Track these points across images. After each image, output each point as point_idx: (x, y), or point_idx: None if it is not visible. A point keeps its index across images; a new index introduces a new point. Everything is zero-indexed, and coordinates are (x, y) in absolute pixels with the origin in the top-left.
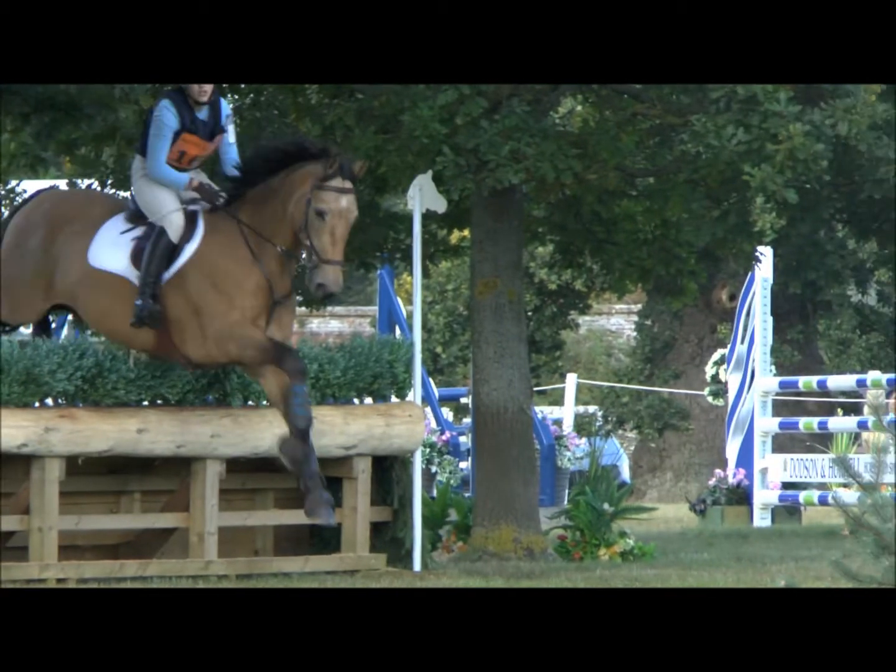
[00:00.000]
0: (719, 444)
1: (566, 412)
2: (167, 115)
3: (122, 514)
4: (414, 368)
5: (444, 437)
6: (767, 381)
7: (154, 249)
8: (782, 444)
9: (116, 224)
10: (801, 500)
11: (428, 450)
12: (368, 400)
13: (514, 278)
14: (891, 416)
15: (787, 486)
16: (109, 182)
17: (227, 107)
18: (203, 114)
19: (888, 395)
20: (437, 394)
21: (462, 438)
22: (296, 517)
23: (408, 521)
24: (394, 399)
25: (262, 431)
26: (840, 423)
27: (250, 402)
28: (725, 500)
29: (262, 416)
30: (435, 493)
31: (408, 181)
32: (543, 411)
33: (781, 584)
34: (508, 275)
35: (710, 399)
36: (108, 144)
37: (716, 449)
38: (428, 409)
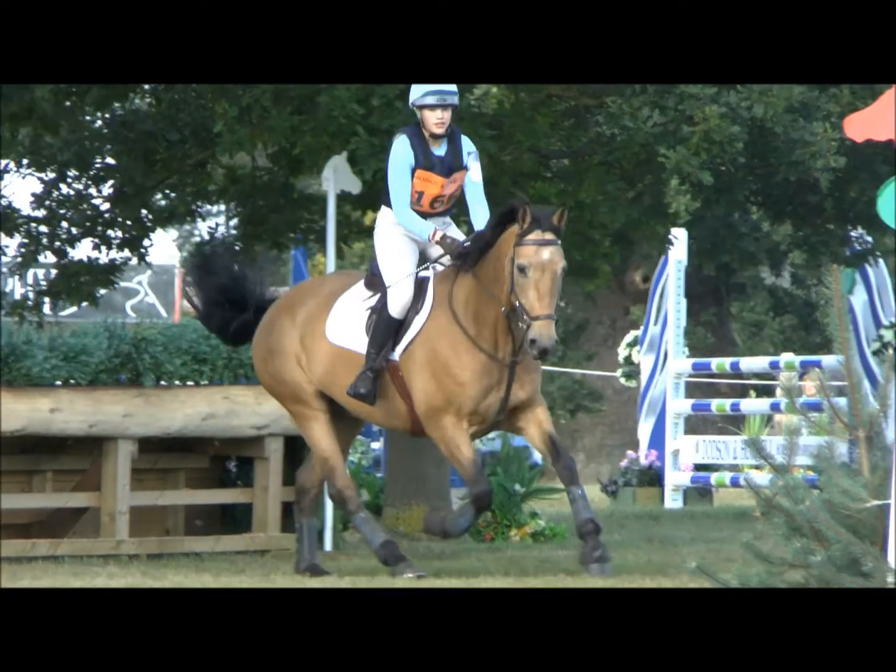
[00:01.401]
0: (632, 425)
1: None
2: (403, 152)
3: (34, 493)
4: None
5: None
6: (680, 362)
7: (377, 326)
8: (695, 425)
9: (354, 294)
10: (712, 481)
11: None
12: None
13: None
14: (804, 398)
15: (699, 467)
16: (25, 162)
17: (469, 143)
18: (441, 149)
19: (801, 377)
20: None
21: None
22: (207, 497)
23: (319, 501)
24: None
25: (174, 411)
26: (753, 405)
27: (163, 383)
28: (637, 482)
29: (174, 396)
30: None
31: (323, 162)
32: None
33: (692, 565)
34: None
35: (622, 381)
36: (23, 125)
37: (628, 430)
38: None
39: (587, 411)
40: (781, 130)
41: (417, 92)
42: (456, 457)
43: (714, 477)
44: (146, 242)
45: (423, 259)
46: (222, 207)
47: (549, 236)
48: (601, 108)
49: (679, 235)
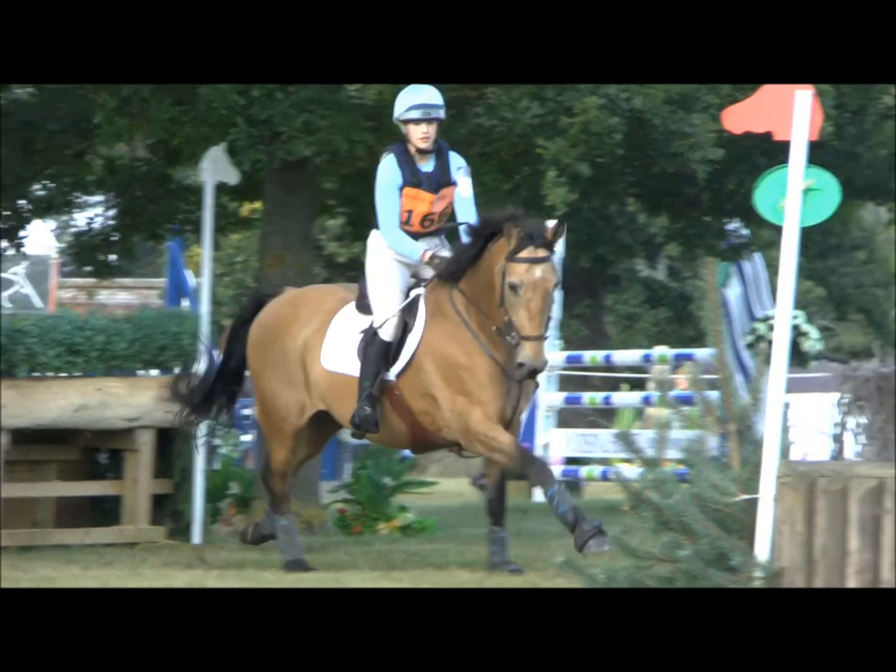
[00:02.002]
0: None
1: None
2: (390, 171)
3: None
4: (201, 341)
5: None
6: (553, 355)
7: (368, 352)
8: (566, 418)
9: (346, 317)
10: (582, 475)
11: (211, 422)
12: (155, 372)
13: (304, 251)
14: (676, 392)
15: (569, 460)
16: None
17: (458, 158)
18: (428, 165)
19: (674, 370)
20: None
21: (245, 411)
22: (77, 489)
23: (189, 493)
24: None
25: (47, 403)
26: (625, 398)
27: (35, 374)
28: (507, 475)
29: (47, 388)
30: (217, 465)
31: (201, 153)
32: None
33: (560, 559)
34: (298, 247)
35: None
36: None
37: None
38: None
39: None
40: (660, 122)
41: (401, 106)
42: (496, 448)
43: (584, 470)
44: (22, 233)
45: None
46: (100, 198)
47: (541, 253)
48: (481, 100)
49: None
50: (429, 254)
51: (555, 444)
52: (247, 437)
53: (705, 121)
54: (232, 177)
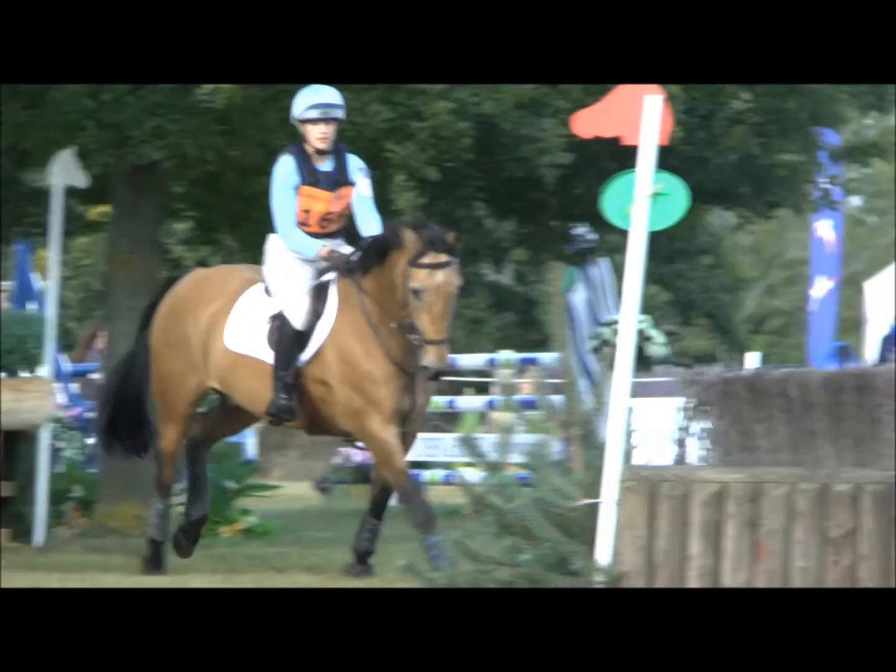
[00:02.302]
0: None
1: None
2: (286, 171)
3: None
4: (46, 344)
5: (72, 413)
6: None
7: (281, 340)
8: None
9: (253, 299)
10: (426, 478)
11: (56, 425)
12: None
13: (151, 254)
14: (520, 396)
15: (412, 464)
16: None
17: (357, 160)
18: (326, 165)
19: (518, 375)
20: (68, 369)
21: (90, 414)
22: None
23: (31, 496)
24: (24, 374)
25: None
26: (469, 402)
27: None
28: (350, 479)
29: None
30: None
31: (51, 156)
32: None
33: (402, 563)
34: (145, 251)
35: None
36: None
37: None
38: (58, 385)
39: None
40: (509, 127)
41: (300, 106)
42: (389, 464)
43: (427, 474)
44: None
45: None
46: None
47: (443, 258)
48: None
49: None
50: (326, 249)
51: None
52: (91, 440)
53: (554, 125)
54: (81, 180)
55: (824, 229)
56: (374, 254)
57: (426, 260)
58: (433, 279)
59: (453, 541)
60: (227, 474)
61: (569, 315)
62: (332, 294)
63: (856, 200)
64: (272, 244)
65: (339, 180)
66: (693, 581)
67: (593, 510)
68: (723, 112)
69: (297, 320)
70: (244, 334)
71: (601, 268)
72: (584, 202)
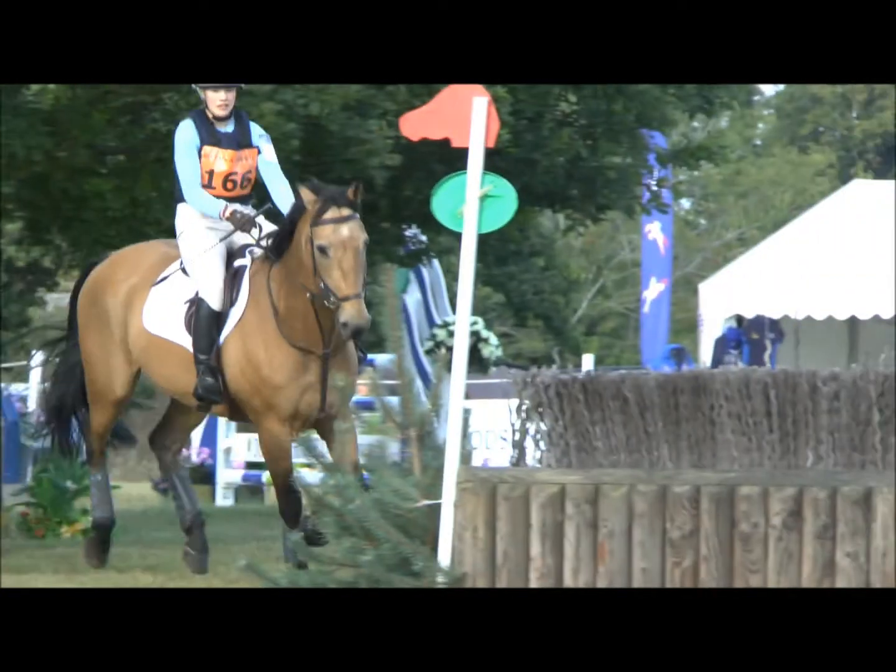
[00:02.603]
0: None
1: (31, 389)
2: (187, 132)
3: None
4: None
5: None
6: None
7: (198, 323)
8: (247, 424)
9: (169, 279)
10: (263, 479)
11: None
12: None
13: None
14: (356, 397)
15: (250, 465)
16: None
17: (258, 127)
18: (227, 128)
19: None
20: None
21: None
22: None
23: None
24: None
25: None
26: None
27: None
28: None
29: None
30: None
31: None
32: (8, 388)
33: (242, 563)
34: None
35: None
36: None
37: None
38: None
39: (140, 408)
40: (337, 128)
41: None
42: (275, 464)
43: (265, 475)
44: None
45: (232, 252)
46: None
47: (346, 212)
48: (158, 105)
49: None
50: (230, 209)
51: (236, 449)
52: None
53: (382, 127)
54: None
55: (655, 231)
56: (286, 231)
57: (329, 216)
58: (339, 233)
59: (294, 541)
60: (67, 475)
61: (403, 316)
62: (245, 284)
63: (686, 203)
64: (181, 214)
65: (241, 141)
66: (535, 582)
67: (433, 511)
68: (550, 114)
69: (214, 302)
70: (161, 316)
71: (434, 269)
72: (414, 204)
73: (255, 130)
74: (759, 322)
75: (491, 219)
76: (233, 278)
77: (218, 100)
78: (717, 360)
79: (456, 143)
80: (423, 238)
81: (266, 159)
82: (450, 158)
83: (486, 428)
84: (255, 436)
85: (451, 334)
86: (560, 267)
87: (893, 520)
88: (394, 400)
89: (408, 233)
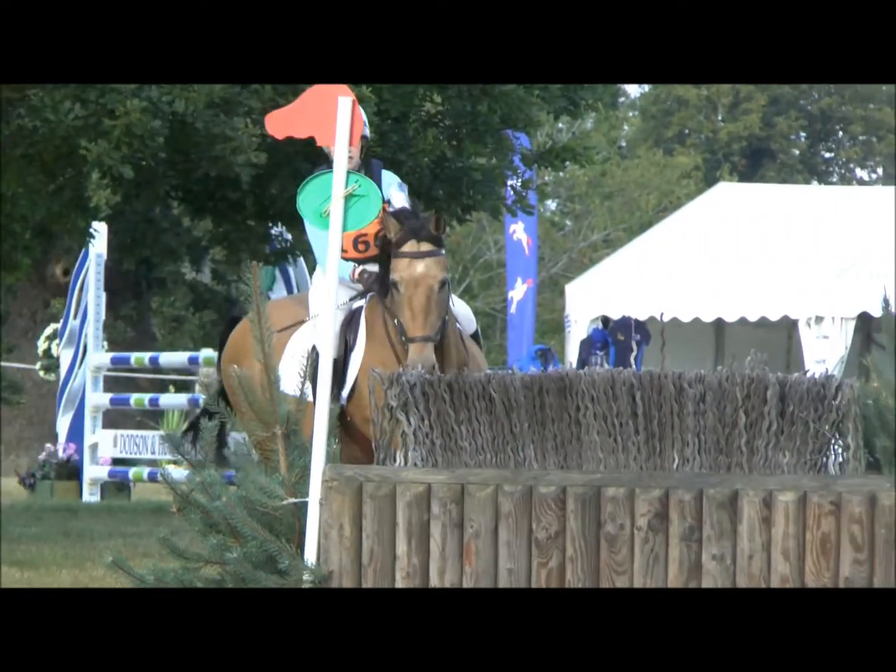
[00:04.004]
0: (51, 418)
1: None
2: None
3: None
4: None
5: None
6: (99, 356)
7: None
8: (114, 419)
9: (300, 336)
10: (130, 476)
11: None
12: None
13: None
14: (194, 395)
15: (117, 461)
16: None
17: (391, 176)
18: None
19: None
20: None
21: None
22: None
23: None
24: None
25: None
26: (171, 399)
27: None
28: (55, 475)
29: None
30: None
31: None
32: None
33: (109, 559)
34: None
35: (41, 373)
36: None
37: (47, 423)
38: None
39: (6, 403)
40: (202, 126)
41: None
42: None
43: (132, 471)
44: None
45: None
46: None
47: (425, 247)
48: (23, 101)
49: (100, 229)
50: (359, 270)
51: (103, 445)
52: None
53: (248, 125)
54: None
55: (519, 232)
56: (383, 263)
57: (406, 249)
58: (412, 269)
59: (160, 538)
60: None
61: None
62: (361, 324)
63: (552, 204)
64: (316, 282)
65: None
66: (401, 581)
67: (300, 509)
68: (415, 115)
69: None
70: (291, 374)
71: (299, 267)
72: (279, 202)
73: (387, 180)
74: (625, 323)
75: (355, 218)
76: (349, 324)
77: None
78: (583, 361)
79: (320, 143)
80: (289, 236)
81: (395, 205)
82: (315, 157)
83: None
84: (122, 431)
85: None
86: None
87: (759, 522)
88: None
89: (273, 231)
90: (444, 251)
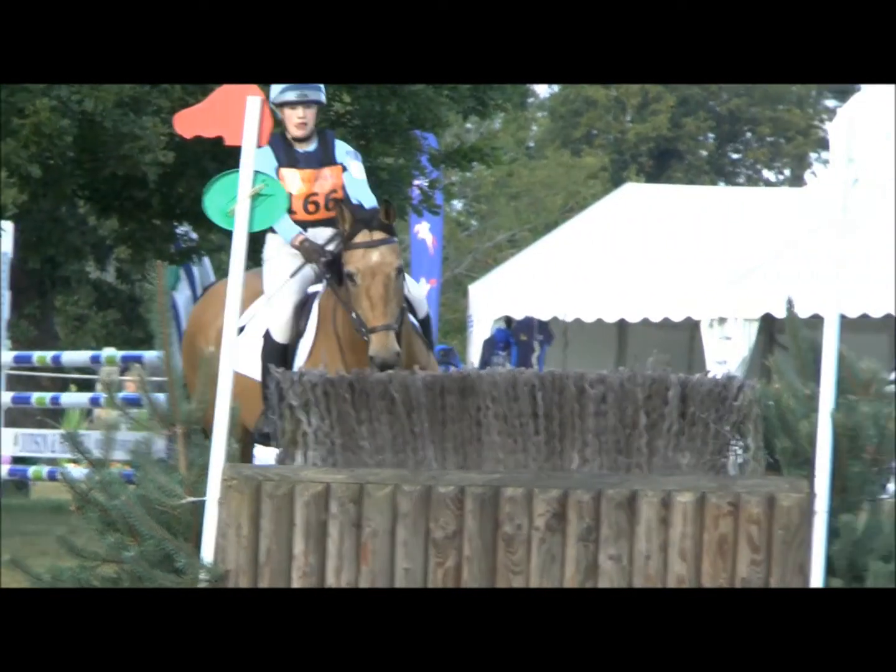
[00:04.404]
0: None
1: None
2: (263, 157)
3: None
4: None
5: None
6: (2, 355)
7: (265, 352)
8: (15, 418)
9: (255, 313)
10: (30, 474)
11: None
12: None
13: None
14: (124, 393)
15: (16, 460)
16: None
17: (345, 144)
18: (308, 147)
19: (122, 372)
20: None
21: None
22: None
23: None
24: None
25: None
26: (73, 398)
27: None
28: None
29: None
30: None
31: None
32: None
33: (6, 558)
34: None
35: None
36: None
37: None
38: None
39: None
40: (111, 125)
41: (276, 89)
42: None
43: (31, 470)
44: None
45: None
46: None
47: (378, 236)
48: None
49: (6, 228)
50: (300, 238)
51: (3, 444)
52: None
53: (156, 124)
54: None
55: (424, 231)
56: (338, 255)
57: (358, 239)
58: (367, 259)
59: (58, 537)
60: None
61: (172, 313)
62: (313, 313)
63: (458, 204)
64: (269, 241)
65: (322, 160)
66: (297, 581)
67: (198, 508)
68: (324, 114)
69: (277, 332)
70: (243, 352)
71: (204, 266)
72: (185, 201)
73: (341, 147)
74: (528, 324)
75: (262, 217)
76: (302, 307)
77: (295, 118)
78: (486, 362)
79: (229, 142)
80: (195, 236)
81: (353, 176)
82: (223, 157)
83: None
84: (23, 430)
85: None
86: None
87: (657, 522)
88: (161, 397)
89: (179, 230)
90: (396, 239)
